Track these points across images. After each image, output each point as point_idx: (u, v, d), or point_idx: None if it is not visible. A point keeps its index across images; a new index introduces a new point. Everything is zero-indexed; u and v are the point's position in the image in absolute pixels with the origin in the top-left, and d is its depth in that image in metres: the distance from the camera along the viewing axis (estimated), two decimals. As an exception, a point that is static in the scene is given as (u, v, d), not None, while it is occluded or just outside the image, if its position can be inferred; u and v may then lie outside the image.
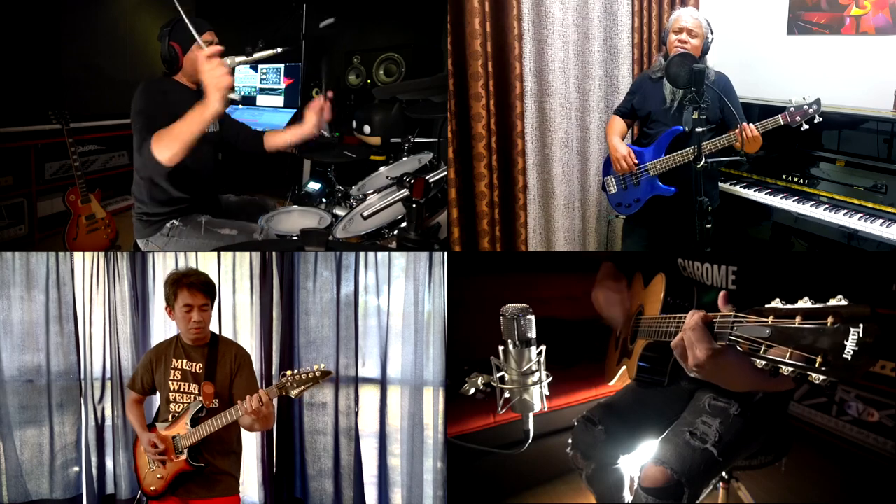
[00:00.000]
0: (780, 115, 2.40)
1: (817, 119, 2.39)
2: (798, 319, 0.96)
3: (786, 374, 0.97)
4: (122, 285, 2.57)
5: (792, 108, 2.39)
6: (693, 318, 1.23)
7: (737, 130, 2.41)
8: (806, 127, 2.39)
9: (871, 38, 2.87)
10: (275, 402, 2.49)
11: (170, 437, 1.91)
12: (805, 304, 0.97)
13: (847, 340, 0.88)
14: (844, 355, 0.88)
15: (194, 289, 1.88)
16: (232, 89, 1.98)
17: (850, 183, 2.58)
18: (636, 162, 2.65)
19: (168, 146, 2.04)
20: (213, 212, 2.66)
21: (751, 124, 2.40)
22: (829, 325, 0.91)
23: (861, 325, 0.88)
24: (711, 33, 2.62)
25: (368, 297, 2.52)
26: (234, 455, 1.99)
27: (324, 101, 2.56)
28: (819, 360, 0.91)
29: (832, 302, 0.93)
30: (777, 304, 1.03)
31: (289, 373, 1.83)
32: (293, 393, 1.82)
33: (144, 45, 4.13)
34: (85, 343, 2.60)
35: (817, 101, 2.37)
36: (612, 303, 2.06)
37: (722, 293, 1.24)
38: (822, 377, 0.91)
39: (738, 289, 1.56)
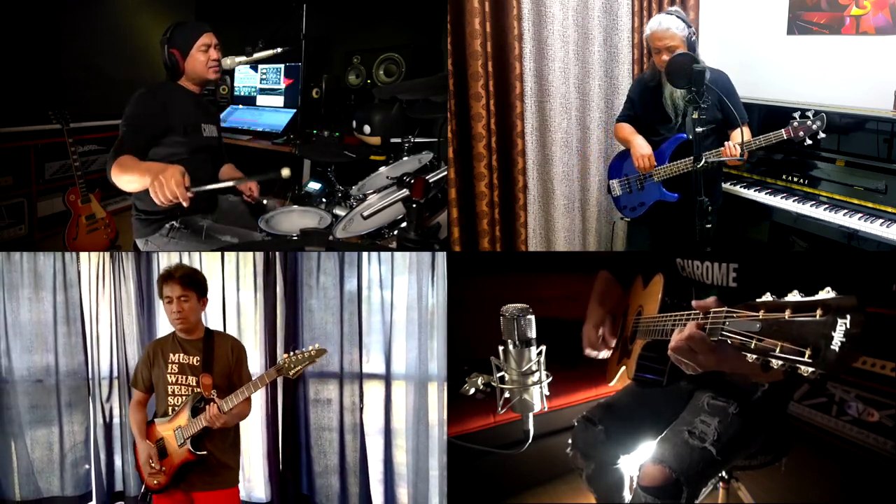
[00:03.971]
0: (783, 130, 2.38)
1: (821, 135, 2.36)
2: (788, 313, 0.97)
3: (776, 367, 0.97)
4: (127, 285, 2.60)
5: (795, 123, 2.36)
6: (690, 328, 1.24)
7: (723, 149, 2.40)
8: (809, 142, 2.37)
9: (871, 38, 2.87)
10: (279, 394, 2.53)
11: (172, 429, 1.93)
12: (794, 297, 0.98)
13: (835, 332, 0.89)
14: (832, 346, 0.89)
15: (172, 280, 1.94)
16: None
17: (850, 183, 2.58)
18: (654, 164, 2.60)
19: (121, 182, 2.07)
20: (212, 213, 2.66)
21: (735, 145, 2.36)
22: (817, 317, 0.92)
23: (848, 317, 0.89)
24: (689, 27, 2.50)
25: (372, 293, 2.53)
26: (235, 447, 2.03)
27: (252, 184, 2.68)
28: (808, 352, 0.92)
29: (820, 294, 0.94)
30: (767, 297, 1.04)
31: (285, 355, 1.91)
32: (291, 373, 1.89)
33: (144, 45, 4.13)
34: (92, 343, 2.63)
35: (821, 118, 2.33)
36: (596, 323, 2.05)
37: (694, 301, 1.27)
38: (811, 369, 0.92)
39: (738, 287, 1.57)
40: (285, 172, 2.01)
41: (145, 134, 2.28)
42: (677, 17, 2.50)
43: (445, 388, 2.42)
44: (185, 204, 1.89)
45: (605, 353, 2.04)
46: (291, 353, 1.91)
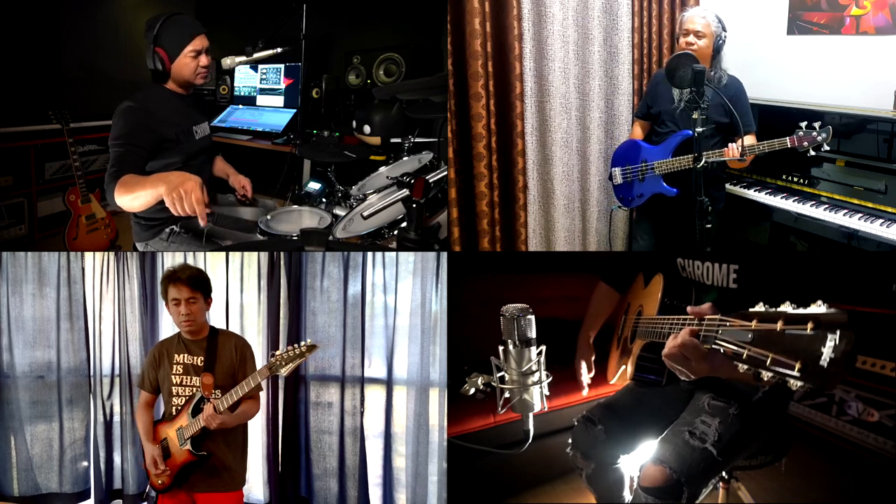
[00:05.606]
0: (787, 138, 2.38)
1: (825, 148, 2.37)
2: (780, 324, 0.97)
3: (766, 378, 0.97)
4: (131, 284, 2.59)
5: (801, 133, 2.37)
6: (682, 335, 1.24)
7: (725, 150, 2.44)
8: (812, 153, 2.38)
9: (871, 38, 2.87)
10: (280, 396, 2.52)
11: (174, 429, 1.94)
12: (787, 308, 0.98)
13: (824, 347, 0.89)
14: (821, 362, 0.89)
15: (180, 283, 1.92)
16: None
17: (850, 183, 2.58)
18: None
19: (127, 200, 1.99)
20: (212, 214, 2.64)
21: (737, 148, 2.41)
22: (808, 330, 0.91)
23: (838, 333, 0.88)
24: (724, 31, 2.63)
25: (375, 297, 2.52)
26: (239, 449, 2.01)
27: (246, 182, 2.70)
28: (798, 365, 0.92)
29: (812, 308, 0.94)
30: (760, 307, 1.04)
31: (277, 353, 1.88)
32: (282, 371, 1.87)
33: (144, 45, 4.13)
34: (95, 340, 2.62)
35: (827, 130, 2.34)
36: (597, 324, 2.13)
37: (689, 307, 1.28)
38: (799, 383, 0.92)
39: (739, 287, 1.57)
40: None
41: (142, 149, 2.18)
42: (716, 15, 2.65)
43: (446, 394, 2.42)
44: (202, 224, 1.82)
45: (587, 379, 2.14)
46: (282, 351, 1.88)
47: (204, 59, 2.36)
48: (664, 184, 2.65)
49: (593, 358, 2.17)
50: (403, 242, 1.98)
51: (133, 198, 1.97)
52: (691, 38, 2.60)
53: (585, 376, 2.14)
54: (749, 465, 1.72)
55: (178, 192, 1.78)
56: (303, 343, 1.89)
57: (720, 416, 1.59)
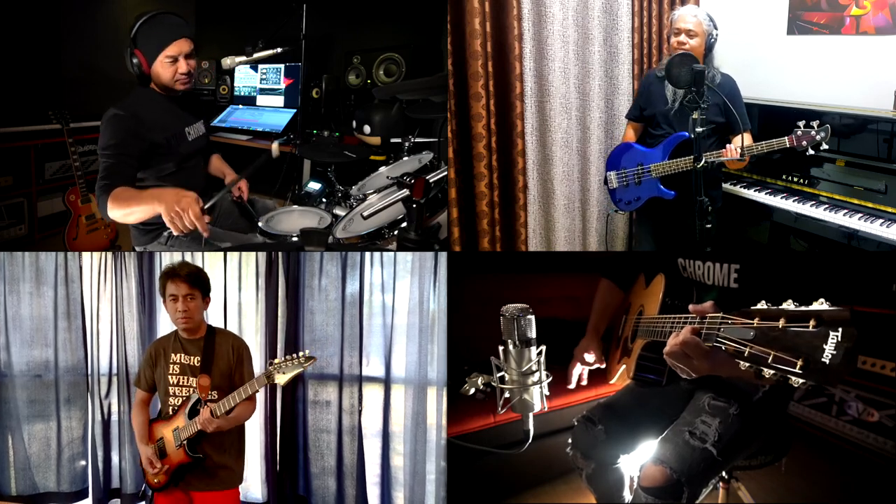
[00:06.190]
0: (786, 138, 2.38)
1: (824, 146, 2.37)
2: (782, 322, 0.97)
3: (767, 376, 0.97)
4: (129, 283, 2.60)
5: (799, 132, 2.36)
6: (684, 333, 1.24)
7: (724, 150, 2.43)
8: (811, 152, 2.37)
9: (871, 38, 2.87)
10: (278, 395, 2.52)
11: (171, 430, 1.94)
12: (788, 306, 0.98)
13: (826, 344, 0.89)
14: (823, 359, 0.89)
15: (178, 279, 1.92)
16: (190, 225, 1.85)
17: (850, 183, 2.58)
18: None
19: (121, 215, 2.00)
20: (210, 214, 2.64)
21: (737, 148, 2.40)
22: (810, 327, 0.91)
23: (840, 329, 0.88)
24: (716, 29, 2.62)
25: (374, 296, 2.53)
26: (236, 448, 2.01)
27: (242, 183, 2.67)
28: (800, 363, 0.92)
29: (814, 305, 0.94)
30: (762, 305, 1.04)
31: (276, 361, 1.87)
32: (280, 381, 1.85)
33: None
34: (92, 339, 2.63)
35: (826, 129, 2.34)
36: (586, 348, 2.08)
37: (691, 305, 1.27)
38: (801, 380, 0.92)
39: (740, 287, 1.57)
40: (275, 148, 1.97)
41: (132, 158, 2.12)
42: (707, 13, 2.63)
43: (445, 392, 2.41)
44: (205, 235, 1.85)
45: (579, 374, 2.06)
46: (280, 361, 1.86)
47: (183, 65, 2.22)
48: (661, 186, 2.64)
49: (601, 355, 2.08)
50: (403, 242, 1.98)
51: (127, 213, 1.98)
52: (683, 38, 2.59)
53: (576, 374, 2.06)
54: (749, 465, 1.72)
55: (174, 210, 1.81)
56: (301, 354, 1.88)
57: (720, 415, 1.59)
